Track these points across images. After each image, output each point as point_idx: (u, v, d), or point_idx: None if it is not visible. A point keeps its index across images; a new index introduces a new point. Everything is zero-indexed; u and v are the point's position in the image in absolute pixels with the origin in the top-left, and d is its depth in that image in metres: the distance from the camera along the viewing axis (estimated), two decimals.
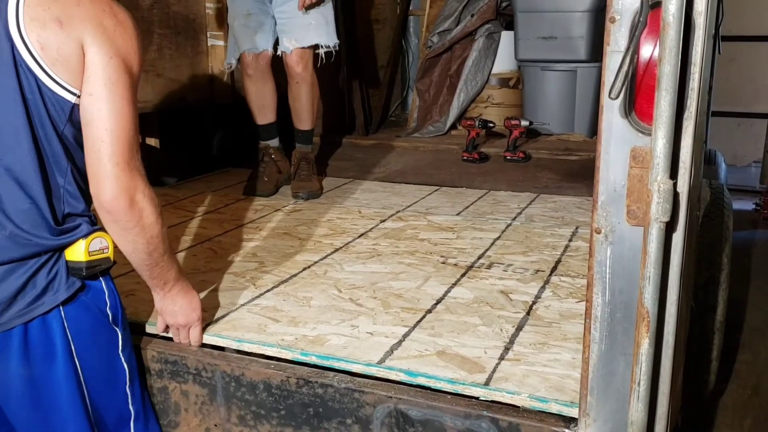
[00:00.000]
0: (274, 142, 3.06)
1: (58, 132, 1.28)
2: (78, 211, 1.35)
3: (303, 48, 2.83)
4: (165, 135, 3.36)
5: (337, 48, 2.89)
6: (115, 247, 1.37)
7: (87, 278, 1.35)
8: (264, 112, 3.01)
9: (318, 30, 2.83)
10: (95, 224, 1.38)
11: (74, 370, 1.34)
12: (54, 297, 1.30)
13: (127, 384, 1.44)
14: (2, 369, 1.30)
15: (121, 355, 1.42)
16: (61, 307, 1.31)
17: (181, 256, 2.16)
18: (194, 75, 3.44)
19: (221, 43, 3.51)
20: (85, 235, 1.33)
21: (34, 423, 1.36)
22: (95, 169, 1.28)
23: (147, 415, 1.51)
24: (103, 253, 1.35)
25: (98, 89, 1.25)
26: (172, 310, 1.51)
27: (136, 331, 1.63)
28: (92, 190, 1.30)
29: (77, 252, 1.32)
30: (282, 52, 2.87)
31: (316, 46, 2.85)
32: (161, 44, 3.24)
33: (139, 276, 1.96)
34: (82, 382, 1.35)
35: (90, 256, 1.32)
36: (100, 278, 1.39)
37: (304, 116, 3.00)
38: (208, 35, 3.50)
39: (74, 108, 1.27)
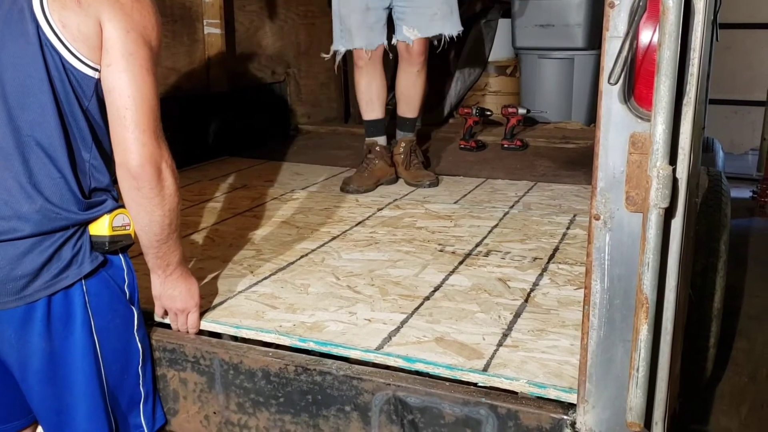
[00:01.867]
0: (382, 140, 2.94)
1: (83, 108, 1.32)
2: (103, 186, 1.38)
3: (426, 38, 2.77)
4: (161, 123, 3.34)
5: (459, 35, 2.79)
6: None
7: (109, 253, 1.38)
8: (372, 107, 2.92)
9: (443, 20, 2.75)
10: (117, 201, 1.40)
11: (92, 346, 1.36)
12: (78, 270, 1.33)
13: (140, 365, 1.46)
14: (24, 342, 1.32)
15: (136, 334, 1.44)
16: (83, 281, 1.34)
17: None
18: (190, 63, 3.42)
19: (217, 31, 3.49)
20: (109, 211, 1.36)
21: (48, 398, 1.37)
22: (121, 136, 1.31)
23: (155, 397, 1.52)
24: (125, 229, 1.39)
25: (116, 60, 1.29)
26: (171, 294, 1.51)
27: None
28: (118, 158, 1.32)
29: (101, 226, 1.36)
30: (398, 40, 2.78)
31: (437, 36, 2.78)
32: None
33: (137, 265, 1.96)
34: (100, 360, 1.37)
35: (113, 231, 1.36)
36: (120, 255, 1.42)
37: (417, 104, 2.93)
38: (205, 23, 3.48)
39: (98, 83, 1.31)
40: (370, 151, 2.90)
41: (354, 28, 2.80)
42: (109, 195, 1.39)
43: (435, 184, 2.86)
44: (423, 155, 3.05)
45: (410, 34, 2.74)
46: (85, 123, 1.32)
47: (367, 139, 2.94)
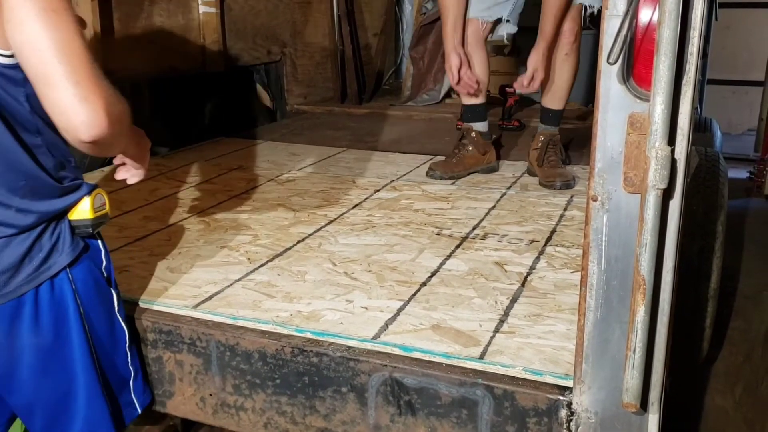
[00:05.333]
0: (480, 126, 2.75)
1: (20, 101, 1.17)
2: (69, 163, 1.31)
3: (579, 18, 2.50)
4: (156, 103, 3.32)
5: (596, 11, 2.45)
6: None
7: (91, 237, 1.35)
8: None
9: None
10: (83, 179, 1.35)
11: (85, 332, 1.34)
12: (60, 258, 1.29)
13: (127, 344, 1.45)
14: (14, 339, 1.28)
15: (118, 315, 1.43)
16: (68, 269, 1.31)
17: (173, 228, 2.14)
18: (185, 43, 3.39)
19: (213, 10, 3.45)
20: (88, 194, 1.32)
21: (43, 391, 1.35)
22: (53, 99, 1.08)
23: (143, 374, 1.51)
24: (103, 209, 1.35)
25: (16, 13, 1.06)
26: (144, 152, 1.45)
27: (129, 307, 1.62)
28: (60, 125, 1.11)
29: (83, 210, 1.32)
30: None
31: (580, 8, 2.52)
32: (151, 12, 3.18)
33: (132, 251, 1.96)
34: (92, 345, 1.35)
35: (95, 212, 1.33)
36: (97, 237, 1.39)
37: (563, 94, 2.64)
38: (200, 2, 3.44)
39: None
40: (463, 137, 2.74)
41: None
42: (80, 176, 1.34)
43: (569, 185, 2.51)
44: (564, 151, 2.77)
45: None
46: (29, 110, 1.18)
47: (464, 124, 2.78)
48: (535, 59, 2.52)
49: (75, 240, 1.32)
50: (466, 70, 2.61)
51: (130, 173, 1.47)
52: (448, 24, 2.59)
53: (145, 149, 1.46)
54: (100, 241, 1.40)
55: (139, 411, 1.49)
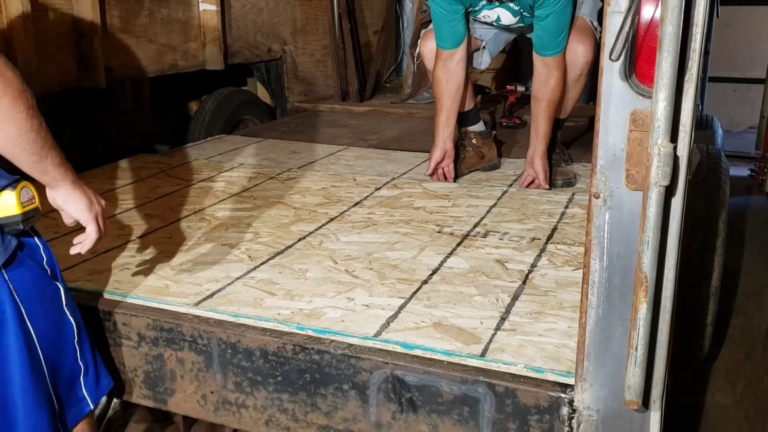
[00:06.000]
0: (475, 127, 2.83)
1: None
2: None
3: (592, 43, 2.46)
4: (157, 101, 3.32)
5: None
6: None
7: (23, 233, 1.28)
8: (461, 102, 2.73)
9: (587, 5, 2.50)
10: (12, 174, 1.26)
11: (27, 333, 1.28)
12: None
13: (76, 339, 1.39)
14: None
15: (66, 309, 1.37)
16: (3, 270, 1.24)
17: (175, 226, 2.14)
18: (185, 40, 3.39)
19: (213, 7, 3.45)
20: (12, 186, 1.23)
21: None
22: None
23: (98, 369, 1.46)
24: (32, 203, 1.26)
25: None
26: (90, 198, 1.36)
27: (129, 306, 1.62)
28: None
29: (9, 206, 1.23)
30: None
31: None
32: (152, 9, 3.18)
33: (133, 249, 1.95)
34: (37, 345, 1.30)
35: (23, 207, 1.24)
36: (32, 233, 1.32)
37: (569, 106, 2.69)
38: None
39: None
40: (464, 139, 2.80)
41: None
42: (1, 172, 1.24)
43: (570, 183, 2.60)
44: (566, 150, 2.86)
45: None
46: None
47: (461, 128, 2.81)
48: (539, 162, 2.54)
49: (6, 239, 1.25)
50: (447, 164, 2.67)
51: (82, 245, 1.39)
52: (441, 117, 2.64)
53: (87, 203, 1.36)
54: (36, 237, 1.33)
55: (92, 406, 1.44)
